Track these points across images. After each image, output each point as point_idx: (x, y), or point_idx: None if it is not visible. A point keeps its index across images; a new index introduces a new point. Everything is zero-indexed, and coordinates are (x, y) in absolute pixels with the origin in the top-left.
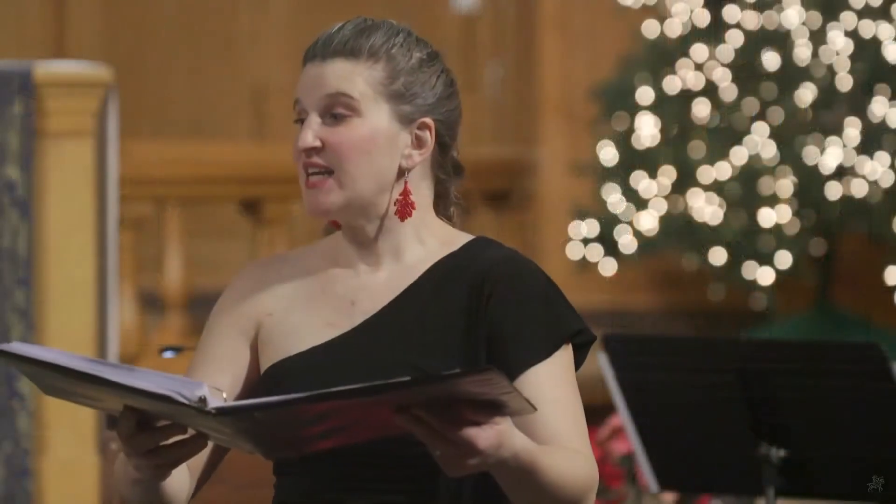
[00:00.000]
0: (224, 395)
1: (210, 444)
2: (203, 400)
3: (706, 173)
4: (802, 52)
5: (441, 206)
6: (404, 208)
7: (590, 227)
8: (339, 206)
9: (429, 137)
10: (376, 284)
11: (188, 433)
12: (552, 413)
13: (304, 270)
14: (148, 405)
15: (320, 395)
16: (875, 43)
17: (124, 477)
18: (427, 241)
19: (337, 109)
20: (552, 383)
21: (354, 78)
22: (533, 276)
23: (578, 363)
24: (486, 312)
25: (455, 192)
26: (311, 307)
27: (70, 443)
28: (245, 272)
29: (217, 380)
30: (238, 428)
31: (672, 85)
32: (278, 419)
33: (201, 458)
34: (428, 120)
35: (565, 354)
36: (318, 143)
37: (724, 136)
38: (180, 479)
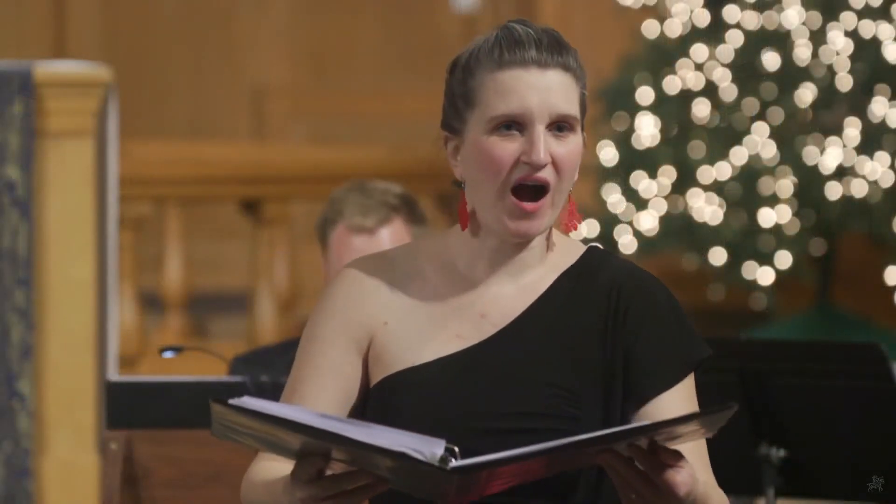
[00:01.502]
0: (456, 449)
1: None
2: (444, 459)
3: (706, 173)
4: (802, 52)
5: None
6: (571, 221)
7: (590, 227)
8: (544, 228)
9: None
10: (505, 297)
11: (370, 479)
12: (684, 446)
13: (418, 277)
14: (380, 462)
15: (558, 446)
16: (875, 43)
17: None
18: (548, 252)
19: (562, 128)
20: (682, 411)
21: (572, 97)
22: (664, 296)
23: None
24: (623, 331)
25: None
26: (434, 317)
27: (70, 443)
28: (349, 276)
29: (325, 394)
30: (456, 484)
31: (672, 85)
32: (497, 473)
33: None
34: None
35: (691, 379)
36: (550, 160)
37: (724, 136)
38: None
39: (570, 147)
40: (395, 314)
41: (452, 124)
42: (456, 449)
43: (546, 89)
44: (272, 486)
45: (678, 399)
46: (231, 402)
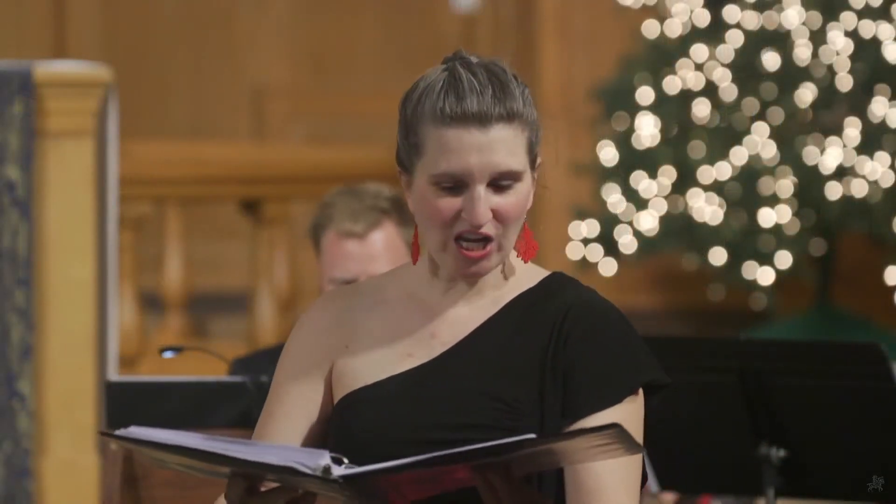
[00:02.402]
0: (345, 460)
1: None
2: (327, 469)
3: (706, 173)
4: (802, 52)
5: None
6: (528, 249)
7: (590, 227)
8: (494, 267)
9: (536, 175)
10: (457, 318)
11: (298, 493)
12: (604, 464)
13: (382, 302)
14: (271, 477)
15: (445, 456)
16: (875, 43)
17: None
18: (509, 277)
19: (504, 182)
20: None
21: (517, 149)
22: (612, 320)
23: (649, 407)
24: (564, 351)
25: None
26: (390, 338)
27: (70, 443)
28: (320, 304)
29: (300, 420)
30: (363, 491)
31: (672, 85)
32: (395, 481)
33: None
34: (540, 159)
35: (632, 404)
36: (490, 217)
37: (724, 136)
38: None
39: (514, 199)
40: (356, 339)
41: (403, 162)
42: (345, 459)
43: (487, 149)
44: None
45: (613, 420)
46: (118, 432)
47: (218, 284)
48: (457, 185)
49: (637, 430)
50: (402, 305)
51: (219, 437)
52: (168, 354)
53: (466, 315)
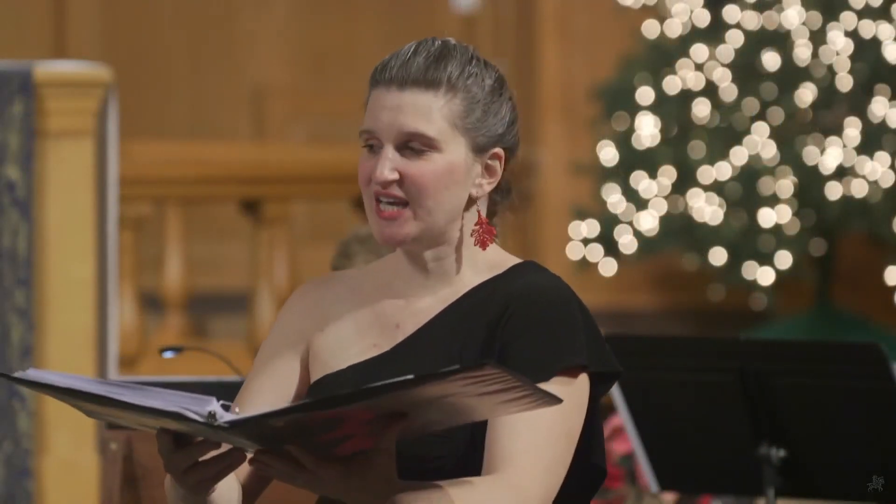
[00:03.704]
0: (237, 409)
1: None
2: (213, 415)
3: (706, 173)
4: (802, 52)
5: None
6: (484, 236)
7: (590, 227)
8: (413, 236)
9: (499, 167)
10: (421, 308)
11: (223, 448)
12: (508, 436)
13: (359, 291)
14: (163, 423)
15: (320, 400)
16: (875, 43)
17: (174, 496)
18: (479, 266)
19: (415, 145)
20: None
21: (433, 114)
22: (553, 302)
23: (598, 395)
24: (503, 332)
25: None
26: (360, 328)
27: (70, 443)
28: (302, 290)
29: (270, 395)
30: (256, 439)
31: (672, 85)
32: (290, 428)
33: (247, 469)
34: (499, 150)
35: (565, 386)
36: (395, 176)
37: (724, 136)
38: (228, 494)
39: (425, 166)
40: (329, 325)
41: None
42: (236, 408)
43: (397, 109)
44: (168, 476)
45: None
46: (16, 374)
47: (218, 284)
48: (374, 144)
49: (553, 413)
50: (375, 296)
51: (113, 382)
52: (168, 354)
53: (429, 305)
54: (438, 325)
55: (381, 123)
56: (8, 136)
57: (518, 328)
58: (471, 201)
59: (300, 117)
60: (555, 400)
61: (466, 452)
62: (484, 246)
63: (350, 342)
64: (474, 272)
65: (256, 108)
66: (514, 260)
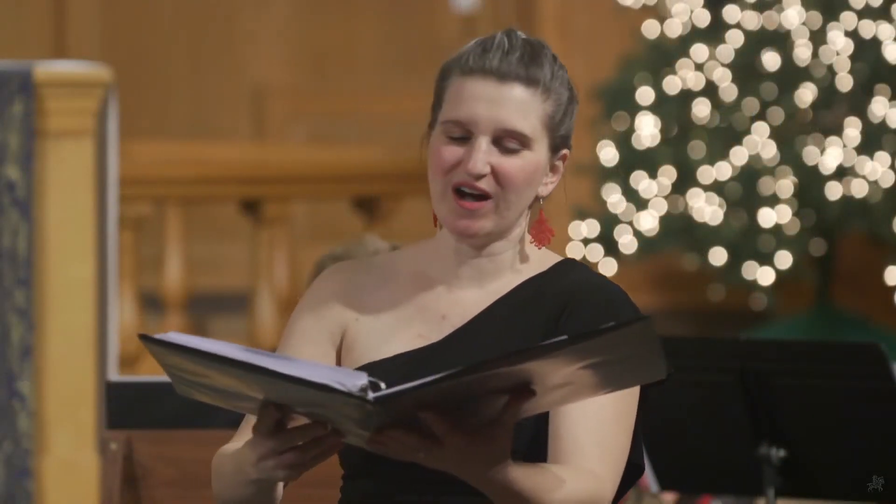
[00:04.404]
0: (383, 385)
1: None
2: (366, 388)
3: (706, 173)
4: (802, 52)
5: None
6: (542, 234)
7: (590, 227)
8: (487, 230)
9: (562, 167)
10: (469, 301)
11: (327, 430)
12: (579, 426)
13: (393, 278)
14: (303, 396)
15: (471, 367)
16: (875, 43)
17: (237, 477)
18: (527, 262)
19: (510, 143)
20: (590, 410)
21: (530, 114)
22: (614, 295)
23: (650, 396)
24: (567, 323)
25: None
26: (401, 316)
27: (70, 443)
28: (329, 275)
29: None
30: (397, 414)
31: (672, 85)
32: (435, 398)
33: None
34: (566, 151)
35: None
36: (488, 170)
37: (724, 136)
38: (280, 486)
39: (518, 163)
40: (366, 312)
41: (430, 123)
42: (382, 385)
43: (497, 102)
44: (239, 451)
45: (605, 396)
46: (157, 336)
47: (218, 284)
48: (464, 135)
49: (617, 402)
50: (411, 283)
51: (256, 350)
52: None
53: (476, 297)
54: (490, 318)
55: (478, 115)
56: (8, 136)
57: (584, 320)
58: (535, 199)
59: (300, 117)
60: (662, 372)
61: (531, 447)
62: (541, 244)
63: (391, 331)
64: (520, 268)
65: (256, 108)
66: (555, 257)
